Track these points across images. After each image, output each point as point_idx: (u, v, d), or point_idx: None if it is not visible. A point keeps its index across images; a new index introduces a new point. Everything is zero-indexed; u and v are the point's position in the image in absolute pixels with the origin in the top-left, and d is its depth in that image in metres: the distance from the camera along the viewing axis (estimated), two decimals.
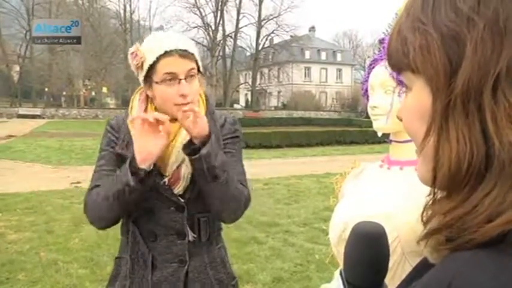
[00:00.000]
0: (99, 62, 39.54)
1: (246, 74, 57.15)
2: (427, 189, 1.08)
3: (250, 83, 51.79)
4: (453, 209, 0.43)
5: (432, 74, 0.44)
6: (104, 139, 1.44)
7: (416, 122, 0.47)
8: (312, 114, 40.67)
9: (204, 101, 1.43)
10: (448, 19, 0.43)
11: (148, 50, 1.30)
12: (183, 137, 1.33)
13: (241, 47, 52.51)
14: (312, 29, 59.07)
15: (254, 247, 4.67)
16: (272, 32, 48.46)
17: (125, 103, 45.75)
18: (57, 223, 5.62)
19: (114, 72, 42.33)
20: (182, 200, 1.36)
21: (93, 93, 45.88)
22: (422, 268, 0.48)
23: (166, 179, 1.34)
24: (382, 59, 1.15)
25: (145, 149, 1.24)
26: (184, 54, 1.29)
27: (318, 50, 57.56)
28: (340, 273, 0.65)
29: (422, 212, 0.50)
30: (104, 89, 43.81)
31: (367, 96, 1.20)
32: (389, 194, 1.10)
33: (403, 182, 1.11)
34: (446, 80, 0.43)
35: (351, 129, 20.61)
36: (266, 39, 49.87)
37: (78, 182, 8.06)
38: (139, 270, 1.38)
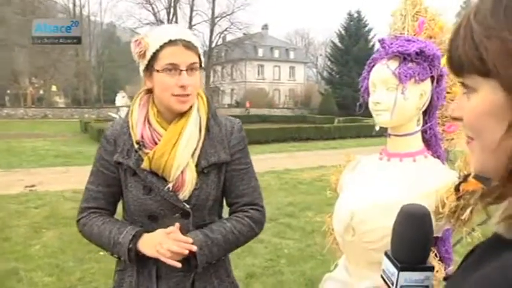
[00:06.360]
0: (46, 59, 37.46)
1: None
2: (427, 179, 1.15)
3: (203, 81, 51.38)
4: None
5: None
6: (97, 151, 1.41)
7: (487, 121, 0.50)
8: (266, 112, 40.93)
9: (205, 102, 1.39)
10: None
11: (152, 38, 1.29)
12: (185, 140, 1.30)
13: None
14: (265, 27, 59.44)
15: None
16: (225, 30, 48.17)
17: (75, 102, 43.88)
18: (14, 229, 5.31)
19: (63, 69, 40.33)
20: (188, 206, 1.31)
21: (41, 92, 43.68)
22: (496, 245, 0.52)
23: (170, 185, 1.29)
24: (382, 58, 1.22)
25: (154, 248, 1.26)
26: (189, 45, 1.29)
27: (271, 48, 58.08)
28: (386, 254, 0.71)
29: (483, 194, 0.53)
30: (53, 87, 41.88)
31: (368, 93, 1.27)
32: (392, 183, 1.18)
33: (404, 172, 1.20)
34: None
35: (305, 125, 20.95)
36: (219, 37, 49.55)
37: (33, 186, 7.69)
38: (144, 282, 1.33)
